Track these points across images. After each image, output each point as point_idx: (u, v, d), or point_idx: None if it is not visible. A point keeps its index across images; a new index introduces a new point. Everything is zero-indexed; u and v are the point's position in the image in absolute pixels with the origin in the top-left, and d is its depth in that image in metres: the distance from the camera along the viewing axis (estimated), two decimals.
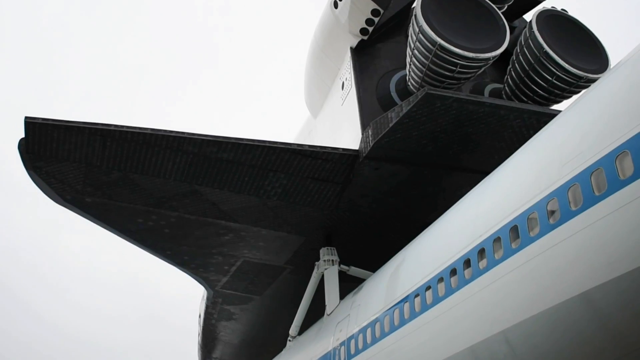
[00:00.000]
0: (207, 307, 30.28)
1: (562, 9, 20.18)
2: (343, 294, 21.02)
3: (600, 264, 9.83)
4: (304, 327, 23.72)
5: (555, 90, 18.75)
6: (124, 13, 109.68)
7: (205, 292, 33.93)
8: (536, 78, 18.58)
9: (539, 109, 18.05)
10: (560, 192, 10.79)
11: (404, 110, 17.05)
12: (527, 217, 11.44)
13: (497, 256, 11.99)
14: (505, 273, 11.73)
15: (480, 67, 17.89)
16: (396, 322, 15.12)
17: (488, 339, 12.06)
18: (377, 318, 16.16)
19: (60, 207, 21.35)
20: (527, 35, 18.48)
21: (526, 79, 18.77)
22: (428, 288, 14.05)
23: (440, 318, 13.52)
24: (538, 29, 18.25)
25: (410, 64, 18.39)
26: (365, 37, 20.77)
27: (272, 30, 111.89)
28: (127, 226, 22.39)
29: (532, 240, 11.19)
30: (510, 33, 18.50)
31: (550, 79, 18.43)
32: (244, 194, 20.10)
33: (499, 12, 18.50)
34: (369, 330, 16.48)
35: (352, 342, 17.30)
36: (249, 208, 20.84)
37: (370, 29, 20.47)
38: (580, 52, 18.77)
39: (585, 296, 10.10)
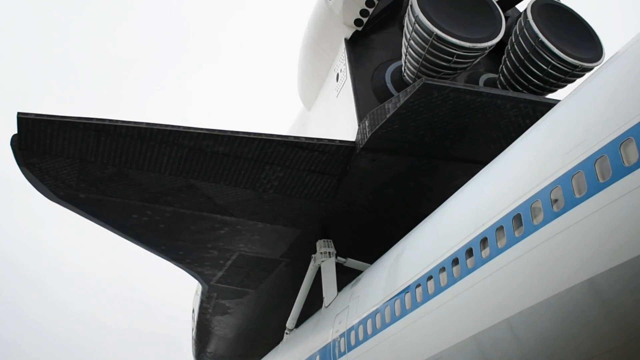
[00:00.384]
0: (201, 301, 30.17)
1: None
2: (340, 286, 21.04)
3: (606, 251, 9.86)
4: (300, 320, 23.74)
5: (551, 80, 18.80)
6: (114, 5, 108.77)
7: (199, 287, 33.88)
8: (531, 67, 18.62)
9: (536, 98, 18.10)
10: (564, 180, 10.81)
11: (401, 101, 17.02)
12: (530, 205, 11.45)
13: (500, 245, 12.00)
14: (508, 261, 11.75)
15: (476, 57, 17.91)
16: (397, 313, 15.12)
17: (492, 327, 12.09)
18: (377, 309, 16.15)
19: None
20: (522, 24, 18.49)
21: (521, 69, 18.80)
22: (430, 278, 14.06)
23: (442, 307, 13.53)
24: (533, 18, 18.26)
25: (406, 55, 18.35)
26: (360, 28, 20.71)
27: (264, 22, 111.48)
28: (121, 222, 22.23)
29: (536, 228, 11.21)
30: None
31: (545, 68, 18.47)
32: (240, 187, 20.01)
33: (494, 2, 18.50)
34: (369, 322, 16.48)
35: (352, 333, 17.29)
36: (245, 202, 20.75)
37: (365, 19, 20.41)
38: (575, 41, 18.81)
39: (590, 283, 10.14)
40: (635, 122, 9.71)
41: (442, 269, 13.68)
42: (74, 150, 18.89)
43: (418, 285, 14.47)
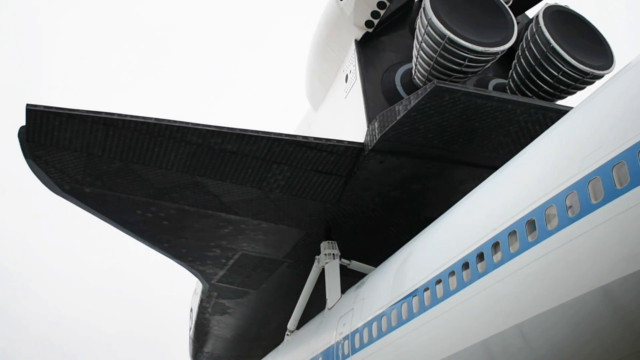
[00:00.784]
0: (201, 300, 30.03)
1: (565, 5, 20.21)
2: (343, 289, 20.93)
3: (622, 258, 9.79)
4: (301, 322, 23.62)
5: (561, 86, 18.77)
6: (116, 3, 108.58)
7: (198, 286, 33.74)
8: (542, 73, 18.58)
9: (546, 104, 18.06)
10: (580, 186, 10.74)
11: (412, 103, 16.95)
12: (544, 210, 11.37)
13: (512, 249, 11.92)
14: (521, 266, 11.66)
15: (488, 62, 17.85)
16: (404, 316, 15.02)
17: (502, 332, 12.00)
18: (383, 312, 16.05)
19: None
20: (534, 30, 18.46)
21: (532, 74, 18.76)
22: (439, 281, 13.96)
23: (451, 311, 13.43)
24: (545, 24, 18.24)
25: (417, 57, 18.29)
26: (370, 30, 20.63)
27: (270, 21, 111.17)
28: (125, 218, 22.14)
29: (550, 233, 11.13)
30: None
31: (556, 74, 18.44)
32: (246, 186, 19.92)
33: (507, 7, 18.47)
34: (374, 324, 16.37)
35: (357, 336, 17.18)
36: (251, 200, 20.66)
37: (376, 21, 20.34)
38: (586, 48, 18.79)
39: (605, 290, 10.06)
40: None
41: (452, 273, 13.59)
42: (82, 143, 18.81)
43: (426, 289, 14.38)
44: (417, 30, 18.14)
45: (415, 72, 18.81)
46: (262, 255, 24.28)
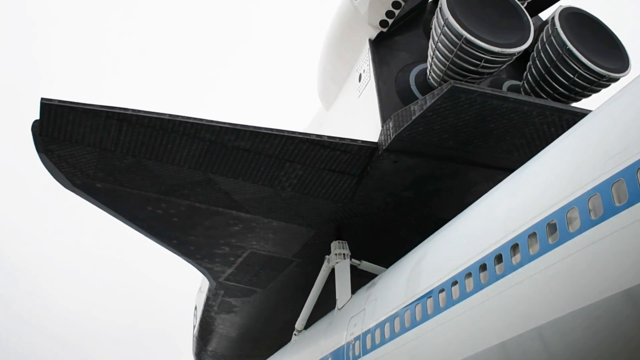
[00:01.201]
0: (207, 298, 29.96)
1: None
2: (352, 289, 20.86)
3: None
4: (308, 322, 23.56)
5: (576, 88, 18.70)
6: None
7: (203, 284, 33.67)
8: (558, 75, 18.52)
9: (562, 106, 17.98)
10: (604, 188, 10.63)
11: (428, 103, 16.87)
12: (566, 212, 11.27)
13: (532, 251, 11.82)
14: (541, 269, 11.56)
15: (504, 63, 17.78)
16: (418, 317, 14.92)
17: (521, 335, 11.90)
18: (396, 313, 15.95)
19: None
20: (550, 32, 18.38)
21: (547, 76, 18.68)
22: (454, 283, 13.87)
23: (467, 313, 13.33)
24: (561, 26, 18.16)
25: (432, 58, 18.21)
26: (385, 30, 20.55)
27: (280, 20, 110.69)
28: (135, 213, 22.07)
29: (572, 236, 11.03)
30: None
31: (572, 76, 18.36)
32: (258, 184, 19.84)
33: (523, 8, 18.38)
34: (387, 325, 16.28)
35: (369, 336, 17.09)
36: (262, 199, 20.58)
37: (390, 21, 20.26)
38: (602, 51, 18.71)
39: (627, 294, 9.96)
40: None
41: (469, 275, 13.49)
42: (95, 138, 18.74)
43: (442, 290, 14.28)
44: (432, 30, 18.05)
45: (430, 72, 18.72)
46: (271, 254, 24.20)
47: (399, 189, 20.10)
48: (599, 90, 19.21)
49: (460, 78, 17.77)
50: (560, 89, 18.72)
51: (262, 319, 30.54)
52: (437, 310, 14.27)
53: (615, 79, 18.69)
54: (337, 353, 18.80)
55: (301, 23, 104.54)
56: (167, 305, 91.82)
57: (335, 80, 23.31)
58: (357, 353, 17.58)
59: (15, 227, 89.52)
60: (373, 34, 20.74)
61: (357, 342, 17.68)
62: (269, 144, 18.48)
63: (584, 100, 19.83)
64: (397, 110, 18.50)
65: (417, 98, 19.10)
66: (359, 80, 21.25)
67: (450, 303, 13.87)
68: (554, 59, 18.29)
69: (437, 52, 17.85)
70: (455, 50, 17.23)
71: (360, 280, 21.01)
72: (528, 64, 19.28)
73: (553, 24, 18.30)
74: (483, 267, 13.08)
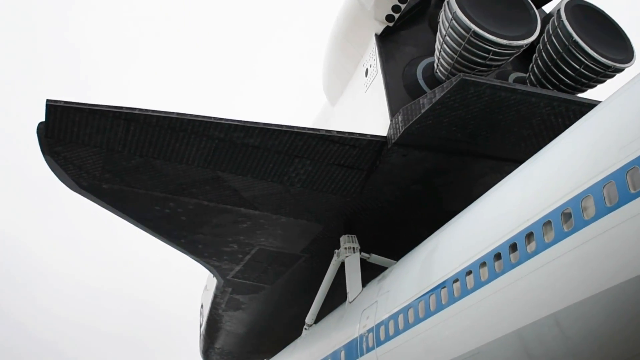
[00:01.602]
0: (215, 296, 30.04)
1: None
2: (362, 282, 21.01)
3: None
4: (318, 316, 23.69)
5: (582, 79, 18.85)
6: None
7: (209, 282, 33.77)
8: (564, 67, 18.65)
9: (569, 97, 18.14)
10: (618, 175, 10.78)
11: (437, 97, 17.00)
12: (580, 200, 11.41)
13: (547, 239, 11.95)
14: (556, 256, 11.70)
15: (511, 55, 17.94)
16: (432, 308, 15.06)
17: (537, 322, 12.04)
18: (410, 304, 16.09)
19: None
20: (556, 24, 18.51)
21: (553, 68, 18.82)
22: (469, 273, 14.00)
23: (482, 302, 13.47)
24: (567, 18, 18.31)
25: (440, 51, 18.33)
26: (391, 24, 20.65)
27: (283, 16, 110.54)
28: (142, 214, 22.07)
29: (587, 223, 11.16)
30: None
31: (578, 67, 18.51)
32: (267, 180, 19.93)
33: (529, 1, 18.52)
34: (400, 317, 16.42)
35: (382, 328, 17.23)
36: (271, 195, 20.67)
37: (397, 15, 20.36)
38: (607, 42, 18.87)
39: None
40: None
41: (483, 264, 13.63)
42: (102, 139, 18.72)
43: (456, 280, 14.42)
44: (440, 24, 18.17)
45: (437, 65, 18.85)
46: (280, 250, 24.30)
47: (407, 182, 20.23)
48: (604, 81, 19.37)
49: (468, 71, 17.90)
50: (566, 80, 18.87)
51: (270, 315, 30.65)
52: (452, 300, 14.41)
53: (621, 70, 18.87)
54: (350, 345, 18.94)
55: (304, 20, 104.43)
56: (166, 307, 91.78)
57: (341, 76, 23.40)
58: (370, 345, 17.73)
59: (9, 232, 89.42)
60: (379, 28, 20.85)
61: (370, 334, 17.83)
62: (278, 140, 18.56)
63: (588, 90, 20.02)
64: (405, 104, 18.62)
65: (425, 92, 19.23)
66: (366, 75, 21.37)
67: (465, 292, 14.01)
68: (561, 50, 18.43)
69: (444, 46, 17.98)
70: (463, 43, 17.37)
71: (371, 273, 21.16)
72: (534, 55, 19.41)
73: (559, 16, 18.44)
74: (498, 256, 13.22)
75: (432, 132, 18.10)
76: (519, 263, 12.60)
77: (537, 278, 12.13)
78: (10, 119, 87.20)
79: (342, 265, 21.93)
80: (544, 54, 18.93)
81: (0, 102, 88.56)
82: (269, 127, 18.32)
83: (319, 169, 19.53)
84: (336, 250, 22.06)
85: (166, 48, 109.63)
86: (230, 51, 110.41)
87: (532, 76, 19.56)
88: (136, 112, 18.26)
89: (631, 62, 18.87)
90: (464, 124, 17.94)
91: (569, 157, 12.61)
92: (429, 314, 15.21)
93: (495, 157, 19.33)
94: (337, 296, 22.96)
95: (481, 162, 19.51)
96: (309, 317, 23.59)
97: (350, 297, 20.73)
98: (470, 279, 13.92)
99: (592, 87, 19.50)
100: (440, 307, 14.80)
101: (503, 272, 13.00)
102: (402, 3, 20.02)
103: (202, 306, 37.54)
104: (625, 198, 10.58)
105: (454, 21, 17.29)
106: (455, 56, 17.79)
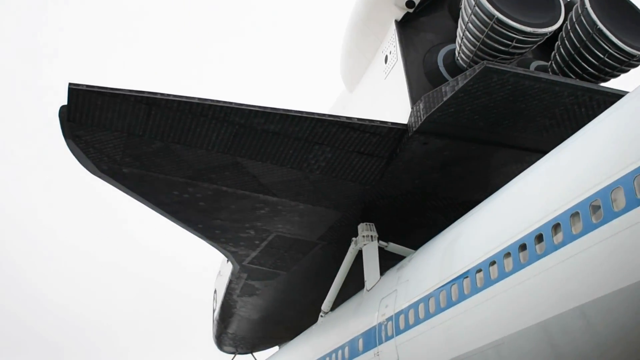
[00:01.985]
0: (230, 282, 30.14)
1: None
2: (380, 271, 21.00)
3: None
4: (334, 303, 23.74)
5: (606, 68, 18.62)
6: None
7: (223, 267, 33.88)
8: (587, 55, 18.41)
9: (593, 86, 17.92)
10: None
11: (460, 84, 16.84)
12: (610, 191, 11.29)
13: (575, 231, 11.85)
14: (584, 248, 11.59)
15: (535, 43, 17.75)
16: (454, 297, 15.01)
17: (562, 314, 11.97)
18: (431, 293, 16.04)
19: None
20: (580, 12, 18.26)
21: (577, 56, 18.59)
22: (492, 263, 13.92)
23: (506, 293, 13.40)
24: (590, 5, 18.05)
25: (462, 38, 18.15)
26: (411, 10, 20.49)
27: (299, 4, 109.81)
28: (161, 198, 22.12)
29: (617, 215, 11.05)
30: None
31: (602, 56, 18.28)
32: (286, 167, 19.88)
33: None
34: (421, 306, 16.38)
35: (402, 317, 17.22)
36: (290, 182, 20.63)
37: (417, 1, 20.21)
38: (631, 31, 18.61)
39: None
40: None
41: (507, 255, 13.54)
42: (123, 123, 18.73)
43: (479, 270, 14.34)
44: (462, 10, 17.96)
45: (459, 53, 18.67)
46: (297, 237, 24.31)
47: (427, 171, 20.13)
48: (628, 70, 19.13)
49: (491, 59, 17.72)
50: (589, 69, 18.64)
51: (284, 302, 30.75)
52: (475, 290, 14.34)
53: None
54: (369, 333, 18.96)
55: (318, 7, 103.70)
56: (178, 289, 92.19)
57: (359, 62, 23.25)
58: (389, 333, 17.73)
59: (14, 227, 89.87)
60: (399, 14, 20.67)
61: (390, 322, 17.82)
62: (299, 126, 18.48)
63: (612, 80, 19.78)
64: (426, 92, 18.48)
65: (446, 79, 19.07)
66: (385, 62, 21.21)
67: (489, 283, 13.94)
68: (584, 38, 18.19)
69: (467, 33, 17.79)
70: (486, 30, 17.18)
71: (388, 262, 21.14)
72: (556, 44, 19.16)
73: (583, 4, 18.18)
74: (523, 247, 13.12)
75: (453, 120, 17.97)
76: (544, 254, 12.50)
77: (563, 270, 12.04)
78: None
79: (359, 253, 21.92)
80: (567, 42, 18.69)
81: None
82: (289, 113, 18.24)
83: (338, 156, 19.45)
84: (354, 238, 22.04)
85: (161, 34, 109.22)
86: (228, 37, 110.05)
87: (554, 65, 19.34)
88: (158, 96, 18.22)
89: None
90: (486, 112, 17.78)
91: (598, 147, 12.46)
92: (450, 303, 15.15)
93: (517, 147, 19.18)
94: (352, 284, 22.99)
95: (502, 151, 19.37)
96: (325, 305, 23.63)
97: (368, 285, 20.72)
98: (494, 269, 13.84)
99: (615, 76, 19.26)
100: (462, 297, 14.75)
101: (528, 264, 12.90)
102: None
103: (215, 291, 37.71)
104: None
105: (477, 8, 17.09)
106: (478, 43, 17.61)
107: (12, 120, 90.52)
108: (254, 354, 41.19)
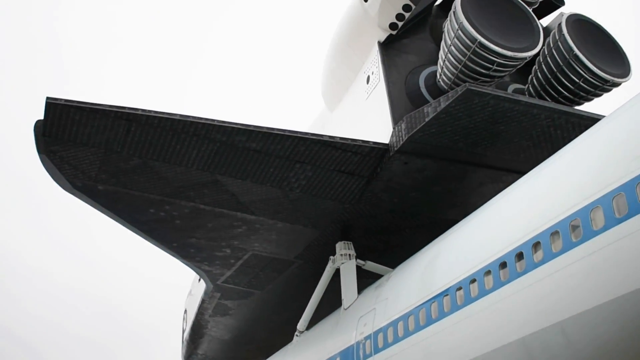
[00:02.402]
0: (202, 301, 29.74)
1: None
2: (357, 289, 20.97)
3: None
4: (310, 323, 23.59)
5: (581, 92, 19.15)
6: None
7: (194, 286, 33.50)
8: (563, 79, 18.93)
9: (569, 109, 18.40)
10: (629, 187, 10.92)
11: (442, 105, 17.12)
12: (589, 211, 11.53)
13: (555, 249, 12.05)
14: (564, 266, 11.78)
15: (515, 67, 18.16)
16: (434, 315, 15.08)
17: (542, 330, 12.11)
18: (410, 311, 16.09)
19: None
20: (557, 37, 18.80)
21: (553, 80, 19.10)
22: (473, 281, 14.05)
23: (486, 310, 13.52)
24: (567, 32, 18.60)
25: (444, 60, 18.48)
26: (394, 32, 20.79)
27: (279, 21, 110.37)
28: (136, 216, 21.78)
29: (596, 233, 11.28)
30: None
31: (577, 81, 18.80)
32: (266, 185, 19.85)
33: (532, 14, 18.79)
34: (400, 324, 16.41)
35: (380, 335, 17.21)
36: (269, 200, 20.59)
37: (400, 23, 20.50)
38: (605, 57, 19.22)
39: None
40: None
41: (488, 272, 13.69)
42: (101, 139, 18.48)
43: (459, 288, 14.46)
44: (445, 33, 18.32)
45: (441, 74, 18.99)
46: (273, 256, 24.17)
47: (406, 190, 20.29)
48: (601, 95, 19.69)
49: (471, 81, 18.07)
50: (565, 92, 19.15)
51: (258, 321, 30.43)
52: (455, 307, 14.44)
53: (618, 84, 19.23)
54: (346, 352, 18.88)
55: (298, 23, 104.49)
56: (135, 314, 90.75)
57: (341, 82, 23.46)
58: (367, 352, 17.69)
59: None
60: (382, 36, 20.96)
61: (368, 341, 17.79)
62: (281, 144, 18.52)
63: (585, 104, 20.32)
64: (407, 112, 18.71)
65: (427, 100, 19.36)
66: (367, 82, 21.44)
67: (469, 300, 14.04)
68: (561, 63, 18.71)
69: (449, 55, 18.13)
70: (468, 53, 17.54)
71: (365, 280, 21.14)
72: (534, 67, 19.65)
73: (560, 30, 18.72)
74: (503, 264, 13.28)
75: (434, 140, 18.21)
76: (525, 272, 12.67)
77: (543, 287, 12.21)
78: None
79: (337, 272, 21.88)
80: (544, 66, 19.19)
81: None
82: (272, 131, 18.28)
83: (319, 175, 19.52)
84: (331, 257, 21.99)
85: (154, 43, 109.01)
86: (219, 49, 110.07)
87: (531, 88, 19.81)
88: (138, 112, 18.08)
89: (628, 77, 19.28)
90: (467, 133, 18.08)
91: (578, 168, 12.74)
92: (430, 321, 15.21)
93: (495, 167, 19.49)
94: (327, 303, 22.89)
95: (480, 171, 19.66)
96: (301, 324, 23.47)
97: (345, 303, 20.68)
98: (474, 287, 13.96)
99: (589, 100, 19.79)
100: (442, 315, 14.82)
101: (509, 281, 13.06)
102: (406, 11, 20.15)
103: (185, 311, 37.16)
104: (635, 210, 10.71)
105: (460, 31, 17.45)
106: (460, 66, 17.95)
107: None
108: None
